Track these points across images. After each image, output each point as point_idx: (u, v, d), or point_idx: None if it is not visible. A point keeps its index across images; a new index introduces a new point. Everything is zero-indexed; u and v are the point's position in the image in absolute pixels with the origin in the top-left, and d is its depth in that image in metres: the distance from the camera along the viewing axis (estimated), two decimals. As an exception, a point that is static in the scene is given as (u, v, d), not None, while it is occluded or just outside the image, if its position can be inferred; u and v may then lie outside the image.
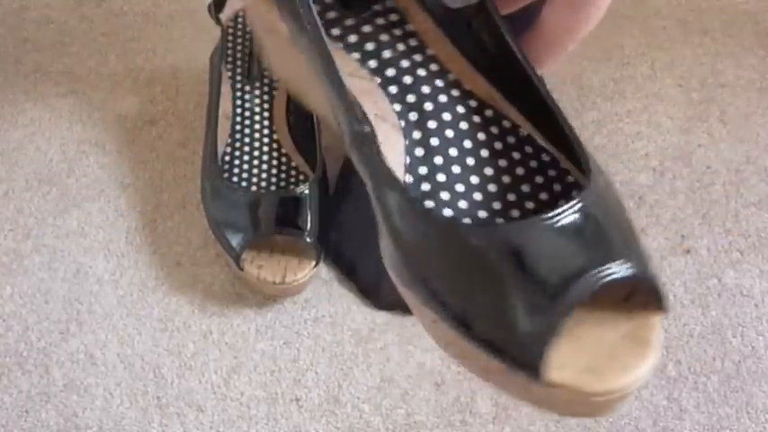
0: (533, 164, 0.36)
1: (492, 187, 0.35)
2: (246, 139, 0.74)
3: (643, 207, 0.74)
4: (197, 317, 0.70)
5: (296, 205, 0.69)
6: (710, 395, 0.65)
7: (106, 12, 0.90)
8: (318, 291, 0.71)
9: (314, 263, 0.68)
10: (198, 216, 0.75)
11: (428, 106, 0.37)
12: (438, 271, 0.32)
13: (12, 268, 0.73)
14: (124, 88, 0.84)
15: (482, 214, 0.35)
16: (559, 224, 0.30)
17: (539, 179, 0.36)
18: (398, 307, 0.69)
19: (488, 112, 0.37)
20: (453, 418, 0.65)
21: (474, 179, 0.36)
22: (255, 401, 0.66)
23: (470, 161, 0.36)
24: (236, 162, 0.72)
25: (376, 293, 0.70)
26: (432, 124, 0.37)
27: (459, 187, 0.35)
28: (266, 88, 0.76)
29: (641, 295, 0.32)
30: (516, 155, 0.36)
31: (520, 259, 0.30)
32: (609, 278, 0.30)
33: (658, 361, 0.31)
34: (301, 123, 0.75)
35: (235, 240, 0.68)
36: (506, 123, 0.37)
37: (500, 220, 0.35)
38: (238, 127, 0.74)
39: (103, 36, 0.88)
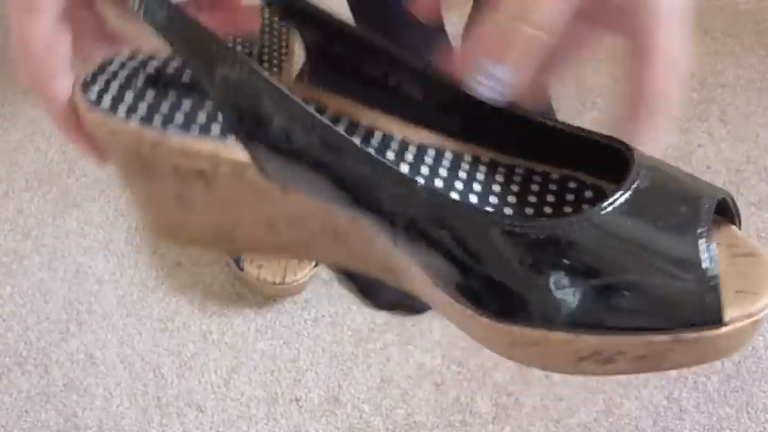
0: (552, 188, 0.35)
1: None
2: (246, 139, 0.74)
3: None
4: (197, 317, 0.70)
5: (296, 205, 0.69)
6: (710, 395, 0.65)
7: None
8: (318, 291, 0.71)
9: (314, 263, 0.68)
10: (198, 216, 0.75)
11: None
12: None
13: (12, 268, 0.73)
14: (124, 88, 0.84)
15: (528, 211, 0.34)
16: (640, 189, 0.30)
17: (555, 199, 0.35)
18: (398, 307, 0.69)
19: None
20: (453, 418, 0.65)
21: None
22: (255, 401, 0.66)
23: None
24: (236, 162, 0.72)
25: (376, 294, 0.70)
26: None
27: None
28: (266, 88, 0.76)
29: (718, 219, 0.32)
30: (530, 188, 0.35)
31: (642, 238, 0.30)
32: (714, 203, 0.30)
33: None
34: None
35: (235, 240, 0.68)
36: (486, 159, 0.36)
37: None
38: (238, 127, 0.74)
39: (103, 36, 0.88)
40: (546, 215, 0.33)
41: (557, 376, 0.66)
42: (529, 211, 0.33)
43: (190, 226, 0.36)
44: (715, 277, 0.29)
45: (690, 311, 0.30)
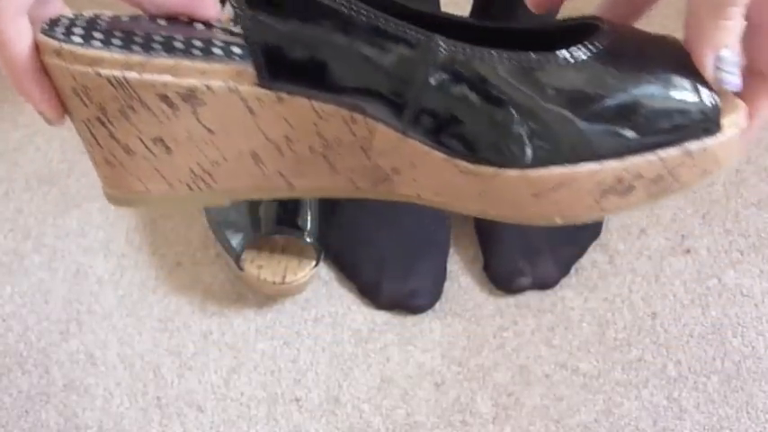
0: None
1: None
2: (246, 139, 0.74)
3: (643, 207, 0.74)
4: (197, 317, 0.70)
5: (296, 205, 0.69)
6: (710, 395, 0.65)
7: (105, 10, 0.90)
8: (318, 291, 0.71)
9: (314, 263, 0.68)
10: (198, 216, 0.75)
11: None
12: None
13: (12, 268, 0.73)
14: (124, 88, 0.84)
15: None
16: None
17: None
18: (398, 306, 0.69)
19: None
20: (453, 418, 0.65)
21: None
22: (255, 401, 0.66)
23: None
24: (236, 162, 0.72)
25: (376, 293, 0.70)
26: None
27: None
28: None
29: None
30: None
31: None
32: None
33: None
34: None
35: (235, 240, 0.68)
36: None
37: None
38: (238, 127, 0.74)
39: (103, 36, 0.88)
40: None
41: (557, 376, 0.66)
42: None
43: (165, 172, 0.36)
44: (713, 93, 0.33)
45: (694, 123, 0.34)
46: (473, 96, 0.33)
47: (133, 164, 0.36)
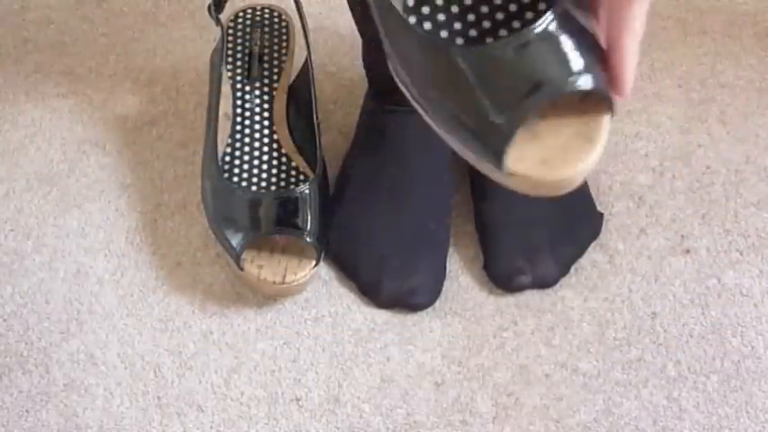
0: None
1: (484, 9, 0.43)
2: (247, 139, 0.74)
3: (643, 207, 0.74)
4: (197, 317, 0.70)
5: (296, 205, 0.69)
6: (710, 395, 0.65)
7: (106, 12, 0.90)
8: (318, 291, 0.71)
9: (314, 263, 0.68)
10: (198, 216, 0.75)
11: None
12: (430, 79, 0.41)
13: (12, 268, 0.73)
14: (124, 88, 0.84)
15: (473, 33, 0.43)
16: (527, 43, 0.38)
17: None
18: (398, 304, 0.70)
19: None
20: (453, 418, 0.65)
21: (467, 0, 0.43)
22: (255, 401, 0.66)
23: None
24: (237, 162, 0.72)
25: (376, 292, 0.70)
26: None
27: (454, 8, 0.43)
28: (266, 88, 0.76)
29: (594, 99, 0.40)
30: None
31: (497, 71, 0.38)
32: (564, 90, 0.38)
33: (601, 155, 0.39)
34: (301, 123, 0.75)
35: (235, 240, 0.68)
36: None
37: (489, 39, 0.43)
38: (239, 127, 0.74)
39: (104, 36, 0.88)
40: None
41: (556, 376, 0.66)
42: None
43: None
44: (507, 130, 0.38)
45: (487, 138, 0.39)
46: None
47: None
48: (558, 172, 0.38)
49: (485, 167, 0.40)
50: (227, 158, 0.72)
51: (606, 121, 0.40)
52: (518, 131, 0.38)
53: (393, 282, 0.69)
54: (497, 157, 0.38)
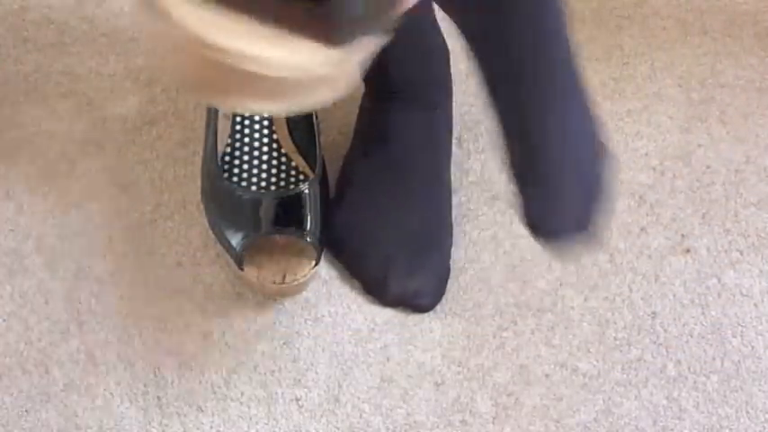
0: None
1: None
2: (246, 139, 0.74)
3: (643, 206, 0.74)
4: (197, 317, 0.70)
5: (296, 205, 0.69)
6: (710, 395, 0.65)
7: (106, 12, 0.90)
8: (318, 291, 0.71)
9: (314, 263, 0.68)
10: (198, 216, 0.75)
11: None
12: None
13: (12, 268, 0.73)
14: (124, 88, 0.84)
15: None
16: None
17: None
18: (403, 304, 0.69)
19: None
20: (453, 418, 0.65)
21: None
22: (255, 401, 0.66)
23: None
24: (237, 162, 0.72)
25: (381, 291, 0.70)
26: None
27: None
28: (266, 88, 0.76)
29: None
30: None
31: None
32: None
33: None
34: (301, 123, 0.75)
35: (235, 240, 0.68)
36: None
37: None
38: (238, 127, 0.74)
39: (104, 36, 0.88)
40: None
41: (556, 376, 0.66)
42: None
43: None
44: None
45: None
46: None
47: None
48: None
49: None
50: (227, 158, 0.72)
51: None
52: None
53: (398, 281, 0.69)
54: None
